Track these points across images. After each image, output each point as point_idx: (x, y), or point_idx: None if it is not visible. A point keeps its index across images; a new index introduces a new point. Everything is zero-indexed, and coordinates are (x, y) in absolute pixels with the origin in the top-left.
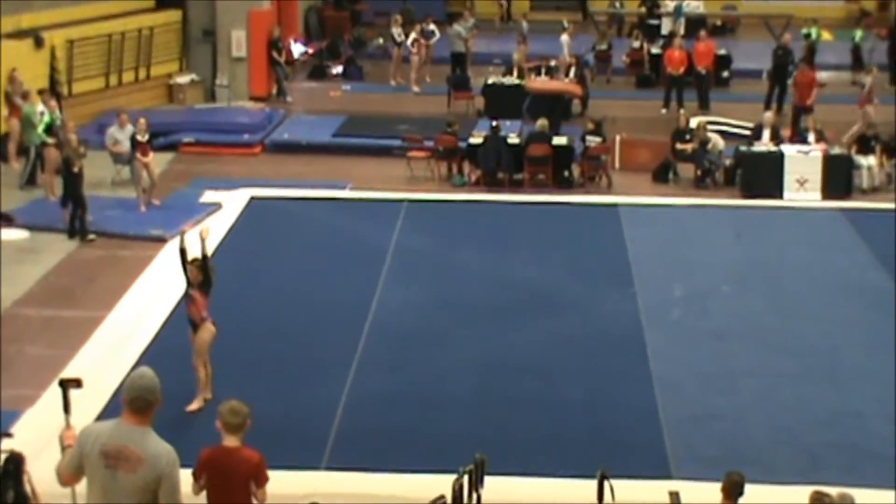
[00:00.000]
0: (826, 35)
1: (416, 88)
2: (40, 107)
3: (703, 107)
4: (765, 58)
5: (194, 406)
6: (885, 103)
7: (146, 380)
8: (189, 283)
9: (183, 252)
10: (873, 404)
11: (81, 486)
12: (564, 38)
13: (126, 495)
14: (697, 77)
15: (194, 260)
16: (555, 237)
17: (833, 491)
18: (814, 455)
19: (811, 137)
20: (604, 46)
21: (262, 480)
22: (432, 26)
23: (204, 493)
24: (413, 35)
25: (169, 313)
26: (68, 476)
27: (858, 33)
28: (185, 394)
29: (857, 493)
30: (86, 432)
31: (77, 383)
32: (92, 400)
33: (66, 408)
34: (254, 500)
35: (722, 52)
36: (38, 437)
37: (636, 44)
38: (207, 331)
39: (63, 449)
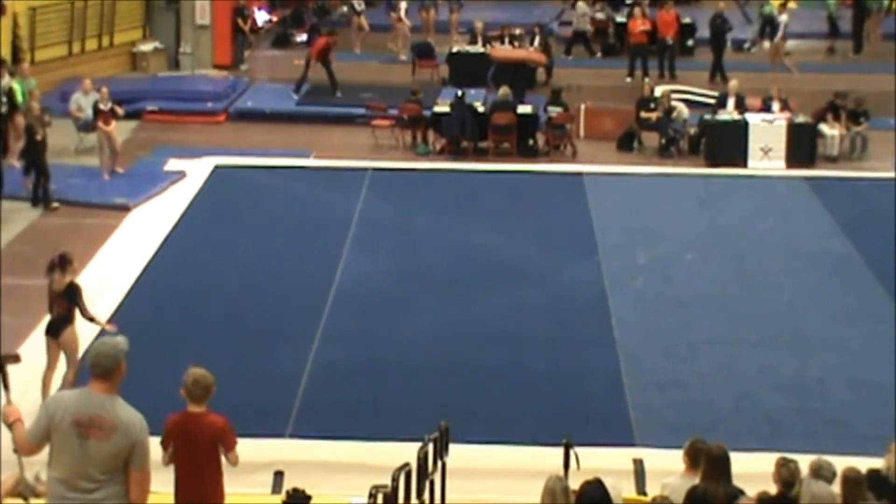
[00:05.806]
0: (792, 3)
1: (356, 51)
2: (6, 78)
3: (668, 75)
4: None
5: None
6: (850, 71)
7: (107, 346)
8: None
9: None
10: (834, 371)
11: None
12: None
13: (95, 463)
14: (662, 46)
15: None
16: (519, 206)
17: (798, 458)
18: (775, 422)
19: (775, 106)
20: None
21: (230, 443)
22: None
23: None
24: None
25: (133, 283)
26: (32, 445)
27: (832, 2)
28: (150, 362)
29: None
30: (54, 401)
31: (15, 359)
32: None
33: (6, 384)
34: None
35: (686, 20)
36: None
37: (600, 14)
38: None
39: (10, 426)
